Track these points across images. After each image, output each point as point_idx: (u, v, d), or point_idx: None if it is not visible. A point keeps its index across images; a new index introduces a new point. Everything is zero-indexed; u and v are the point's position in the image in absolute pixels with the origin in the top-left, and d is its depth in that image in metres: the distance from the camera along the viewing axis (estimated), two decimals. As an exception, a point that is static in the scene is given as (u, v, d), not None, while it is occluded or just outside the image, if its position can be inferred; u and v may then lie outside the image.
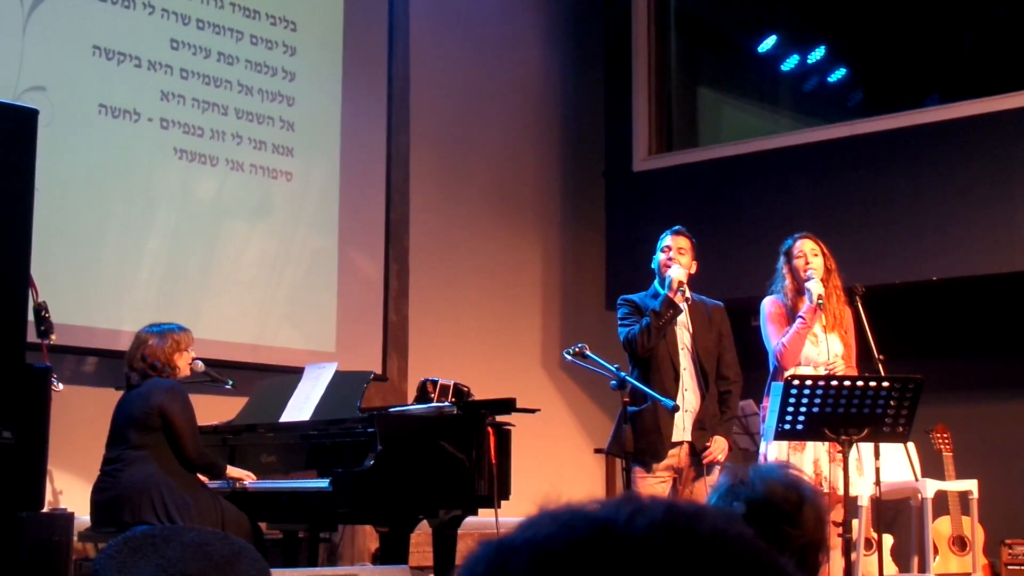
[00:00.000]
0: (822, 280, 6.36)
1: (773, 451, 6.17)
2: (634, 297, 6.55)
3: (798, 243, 6.47)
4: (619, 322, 6.51)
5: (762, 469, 2.73)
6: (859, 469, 6.18)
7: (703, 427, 6.31)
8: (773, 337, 6.41)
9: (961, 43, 9.91)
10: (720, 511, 0.98)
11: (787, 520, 2.59)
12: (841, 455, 5.63)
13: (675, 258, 6.41)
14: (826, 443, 5.97)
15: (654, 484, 6.26)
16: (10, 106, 5.83)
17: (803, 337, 6.30)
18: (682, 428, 6.30)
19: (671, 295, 6.30)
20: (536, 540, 0.97)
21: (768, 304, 6.50)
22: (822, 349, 6.32)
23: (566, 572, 0.96)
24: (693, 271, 6.50)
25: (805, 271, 6.37)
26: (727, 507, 2.64)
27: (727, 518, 0.97)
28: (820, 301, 6.22)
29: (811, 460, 6.15)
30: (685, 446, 6.30)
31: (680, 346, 6.39)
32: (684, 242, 6.48)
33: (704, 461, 6.26)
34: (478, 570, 1.00)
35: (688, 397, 6.32)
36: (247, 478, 6.31)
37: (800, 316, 6.29)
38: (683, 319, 6.45)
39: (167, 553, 1.57)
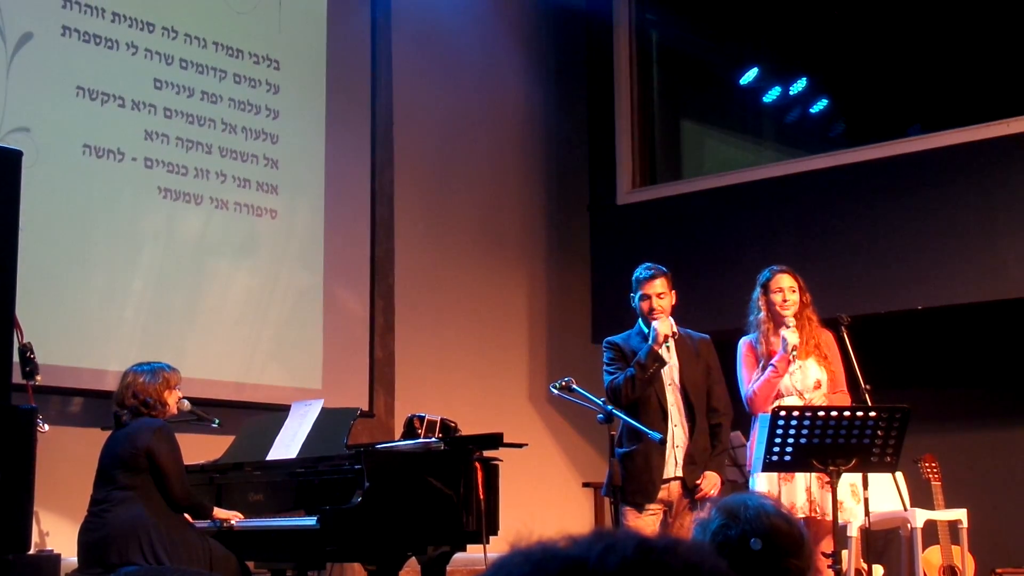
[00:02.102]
0: (796, 314, 6.37)
1: (763, 483, 6.15)
2: (618, 339, 6.50)
3: (776, 277, 6.46)
4: (604, 366, 6.48)
5: (753, 506, 2.75)
6: (854, 495, 6.16)
7: (694, 463, 6.27)
8: (745, 382, 6.43)
9: (942, 73, 9.95)
10: (693, 544, 0.97)
11: (793, 553, 2.67)
12: (829, 484, 5.63)
13: (658, 306, 6.36)
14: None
15: (642, 519, 6.22)
16: (-7, 148, 5.83)
17: (773, 385, 6.30)
18: (673, 464, 6.27)
19: (656, 347, 6.26)
20: (509, 582, 0.97)
21: (742, 346, 6.52)
22: (797, 377, 6.33)
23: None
24: (674, 302, 6.47)
25: (782, 307, 6.38)
26: (730, 543, 2.68)
27: (700, 551, 0.97)
28: (794, 352, 6.23)
29: (803, 488, 6.14)
30: (676, 482, 6.27)
31: (667, 382, 6.35)
32: (662, 284, 6.41)
33: (697, 497, 6.23)
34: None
35: (677, 433, 6.28)
36: (234, 518, 6.28)
37: (772, 364, 6.29)
38: (666, 356, 6.40)
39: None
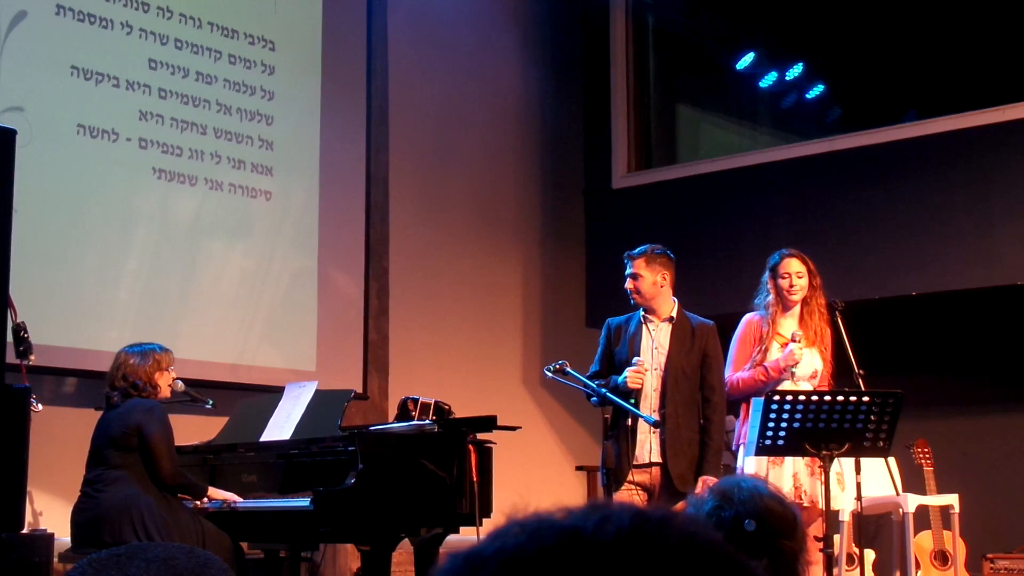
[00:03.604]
0: (804, 299, 6.39)
1: (751, 465, 6.16)
2: (615, 321, 6.52)
3: (784, 261, 6.46)
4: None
5: (747, 487, 2.75)
6: (840, 483, 6.18)
7: (679, 452, 6.23)
8: (733, 361, 6.43)
9: (939, 59, 9.96)
10: (689, 517, 0.97)
11: (785, 534, 2.68)
12: (821, 469, 5.64)
13: (632, 286, 6.36)
14: (805, 457, 5.97)
15: (626, 497, 6.21)
16: (-12, 126, 5.82)
17: (757, 387, 6.28)
18: (648, 450, 6.25)
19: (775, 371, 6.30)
20: (504, 550, 0.97)
21: (744, 323, 6.51)
22: (804, 362, 6.33)
23: (535, 581, 0.95)
24: (662, 284, 6.42)
25: (790, 292, 6.39)
26: (724, 524, 2.69)
27: (696, 523, 0.97)
28: (793, 370, 6.25)
29: (790, 474, 6.16)
30: (656, 467, 6.24)
31: (654, 366, 6.33)
32: (638, 264, 6.37)
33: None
34: (447, 582, 1.00)
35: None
36: (231, 499, 6.26)
37: (766, 368, 6.29)
38: (661, 339, 6.39)
39: (129, 570, 1.56)
